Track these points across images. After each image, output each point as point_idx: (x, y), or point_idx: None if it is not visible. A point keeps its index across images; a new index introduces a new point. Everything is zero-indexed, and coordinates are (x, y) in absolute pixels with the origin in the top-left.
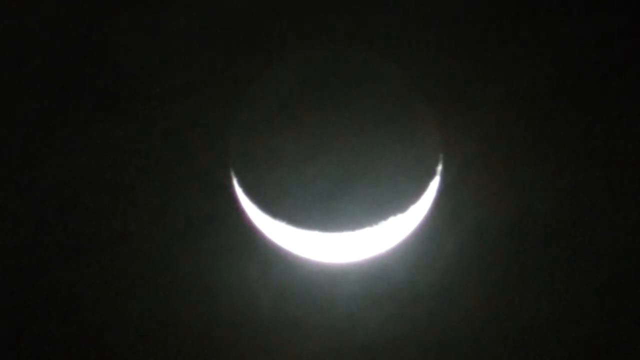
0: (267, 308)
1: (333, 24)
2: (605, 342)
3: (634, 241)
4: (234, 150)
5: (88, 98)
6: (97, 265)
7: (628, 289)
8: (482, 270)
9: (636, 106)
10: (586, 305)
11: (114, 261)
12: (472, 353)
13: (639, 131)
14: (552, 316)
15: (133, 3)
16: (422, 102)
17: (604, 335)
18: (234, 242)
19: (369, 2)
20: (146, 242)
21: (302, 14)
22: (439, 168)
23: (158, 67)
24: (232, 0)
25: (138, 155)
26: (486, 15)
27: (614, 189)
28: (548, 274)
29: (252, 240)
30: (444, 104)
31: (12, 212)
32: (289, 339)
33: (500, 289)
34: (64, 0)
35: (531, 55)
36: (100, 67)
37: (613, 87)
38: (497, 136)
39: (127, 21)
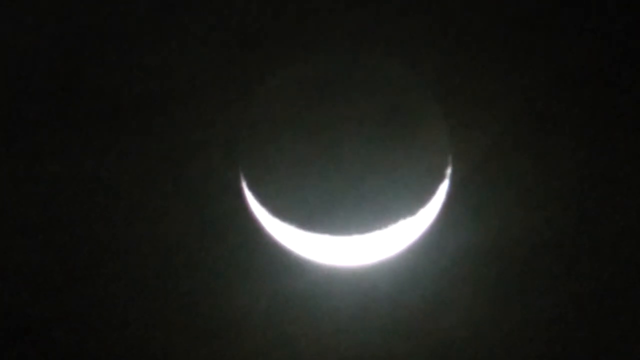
0: (275, 311)
1: (339, 25)
2: (603, 346)
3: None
4: (243, 153)
5: (92, 98)
6: (101, 268)
7: (630, 294)
8: (491, 274)
9: None
10: (589, 307)
11: (117, 263)
12: (478, 355)
13: None
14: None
15: (137, 4)
16: (431, 105)
17: (604, 340)
18: (243, 245)
19: (374, 3)
20: (152, 244)
21: (309, 15)
22: (448, 171)
23: (167, 68)
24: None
25: (145, 157)
26: (492, 15)
27: (621, 190)
28: (559, 276)
29: (261, 243)
30: (453, 106)
31: (12, 212)
32: (294, 341)
33: (509, 292)
34: (63, 1)
35: (542, 58)
36: (107, 66)
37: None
38: (507, 139)
39: (136, 22)
